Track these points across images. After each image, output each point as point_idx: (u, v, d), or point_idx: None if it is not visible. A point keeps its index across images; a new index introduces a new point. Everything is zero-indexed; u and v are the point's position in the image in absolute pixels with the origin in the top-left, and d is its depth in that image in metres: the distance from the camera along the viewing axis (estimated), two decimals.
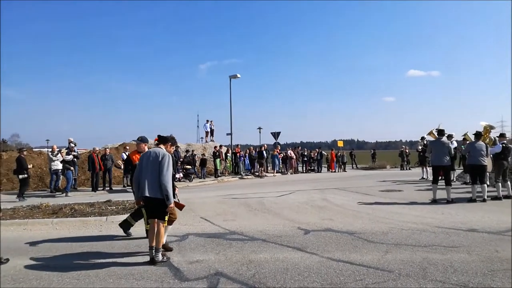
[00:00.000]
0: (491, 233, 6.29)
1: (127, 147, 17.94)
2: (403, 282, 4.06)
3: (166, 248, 5.58)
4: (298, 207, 9.69)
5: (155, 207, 5.09)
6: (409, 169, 27.45)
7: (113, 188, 16.49)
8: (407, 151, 28.75)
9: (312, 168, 27.50)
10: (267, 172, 23.85)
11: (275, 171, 24.47)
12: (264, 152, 23.28)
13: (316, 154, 27.66)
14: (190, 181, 18.58)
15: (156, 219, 5.11)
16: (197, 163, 21.19)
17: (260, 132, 30.83)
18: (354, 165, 32.32)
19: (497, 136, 11.31)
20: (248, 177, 22.12)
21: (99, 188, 15.98)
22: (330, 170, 27.56)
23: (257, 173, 22.66)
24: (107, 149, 17.83)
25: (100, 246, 6.08)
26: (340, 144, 33.71)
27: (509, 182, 10.56)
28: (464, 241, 5.76)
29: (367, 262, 4.78)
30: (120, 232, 6.75)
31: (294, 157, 25.56)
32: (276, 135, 26.96)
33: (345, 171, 27.70)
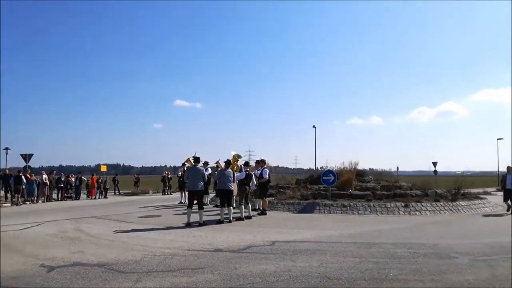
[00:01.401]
0: (232, 251, 7.10)
1: None
2: None
3: None
4: (46, 241, 8.55)
5: None
6: (171, 193, 28.56)
7: None
8: (170, 176, 29.95)
9: (69, 195, 25.02)
10: (17, 200, 20.16)
11: (34, 198, 21.06)
12: (23, 176, 19.73)
13: (74, 179, 25.37)
14: None
15: None
16: None
17: (7, 154, 26.07)
18: (116, 191, 31.29)
19: (242, 164, 13.15)
20: None
21: None
22: (90, 197, 25.76)
23: (13, 201, 18.80)
24: None
25: None
26: (104, 168, 32.18)
27: (250, 205, 12.35)
28: (209, 262, 6.27)
29: None
30: None
31: (48, 182, 22.65)
32: (27, 157, 23.38)
33: (106, 197, 26.42)
